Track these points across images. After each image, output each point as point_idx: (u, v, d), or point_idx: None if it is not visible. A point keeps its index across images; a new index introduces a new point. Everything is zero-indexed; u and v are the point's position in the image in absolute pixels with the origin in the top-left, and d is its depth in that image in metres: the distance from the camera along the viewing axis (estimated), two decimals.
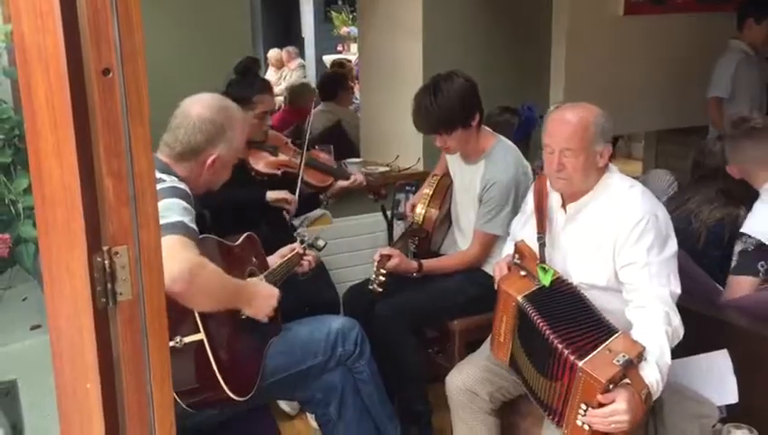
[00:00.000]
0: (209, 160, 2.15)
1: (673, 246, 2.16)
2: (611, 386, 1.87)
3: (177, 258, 1.76)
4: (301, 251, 2.55)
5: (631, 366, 1.88)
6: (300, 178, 3.03)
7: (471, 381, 2.37)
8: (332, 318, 2.51)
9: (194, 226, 1.91)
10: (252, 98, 2.92)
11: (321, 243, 2.73)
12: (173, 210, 1.87)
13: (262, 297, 2.13)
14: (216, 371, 1.89)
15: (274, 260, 2.47)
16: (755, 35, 4.38)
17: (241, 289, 2.07)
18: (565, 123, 2.20)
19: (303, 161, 3.07)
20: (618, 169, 2.32)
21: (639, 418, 1.87)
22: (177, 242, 1.80)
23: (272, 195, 2.93)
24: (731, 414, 2.36)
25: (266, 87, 3.09)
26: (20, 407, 1.68)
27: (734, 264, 2.58)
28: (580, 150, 2.16)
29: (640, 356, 1.92)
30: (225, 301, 1.98)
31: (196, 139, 2.13)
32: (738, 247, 2.58)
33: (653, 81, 4.60)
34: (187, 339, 1.86)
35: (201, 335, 1.88)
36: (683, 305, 2.23)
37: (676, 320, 2.06)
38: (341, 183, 3.25)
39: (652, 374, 1.91)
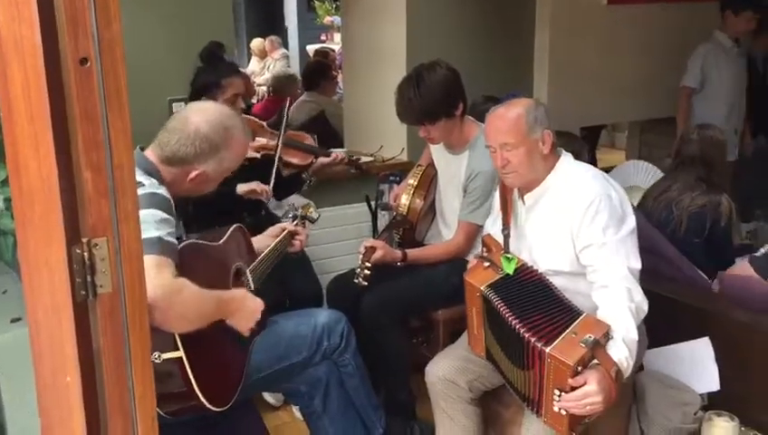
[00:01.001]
0: (193, 174, 2.06)
1: (630, 223, 2.18)
2: (580, 368, 1.89)
3: (151, 285, 1.72)
4: (291, 229, 2.52)
5: (598, 346, 1.90)
6: (277, 159, 2.99)
7: (450, 371, 2.38)
8: (318, 312, 2.48)
9: (171, 239, 1.83)
10: (221, 81, 2.89)
11: (314, 214, 2.68)
12: (148, 223, 1.78)
13: (244, 310, 2.06)
14: (196, 386, 1.84)
15: (264, 242, 2.42)
16: (735, 27, 4.40)
17: (221, 304, 1.98)
18: (499, 120, 2.26)
19: (282, 142, 3.04)
20: (572, 157, 2.34)
21: (613, 397, 1.88)
22: (152, 264, 1.72)
23: (242, 188, 2.87)
24: (712, 402, 2.38)
25: (233, 70, 3.06)
26: (0, 400, 1.66)
27: (758, 254, 2.55)
28: (519, 142, 2.21)
29: (606, 335, 1.94)
30: (204, 320, 1.89)
31: (186, 150, 2.03)
32: None
33: (637, 70, 4.61)
34: (166, 356, 1.80)
35: (180, 353, 1.82)
36: (667, 295, 2.24)
37: (638, 295, 2.08)
38: (323, 160, 3.24)
39: (620, 352, 1.93)
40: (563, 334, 1.95)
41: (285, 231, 2.49)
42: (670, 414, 2.31)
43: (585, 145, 3.47)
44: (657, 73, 4.64)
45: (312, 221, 2.67)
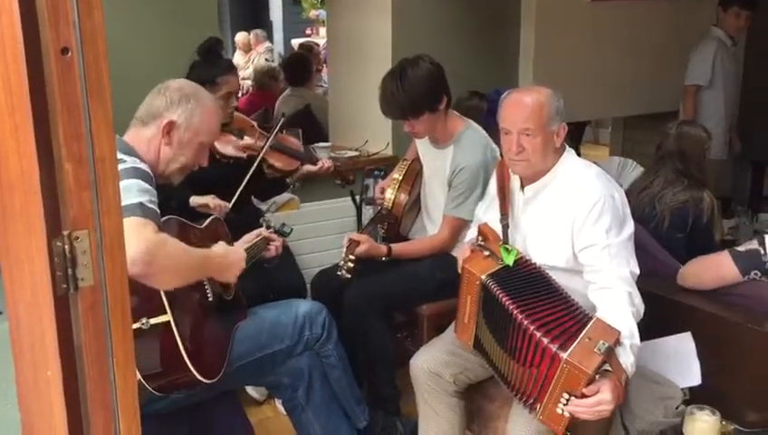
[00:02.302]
0: (163, 123, 2.07)
1: (630, 226, 2.19)
2: (597, 376, 1.88)
3: (133, 240, 1.70)
4: (266, 235, 2.53)
5: (611, 353, 1.90)
6: (256, 163, 2.96)
7: (435, 364, 2.38)
8: (299, 302, 2.49)
9: (153, 206, 1.86)
10: (216, 79, 2.87)
11: (287, 229, 2.70)
12: (130, 191, 1.82)
13: (230, 264, 2.13)
14: (183, 352, 1.88)
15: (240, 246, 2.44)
16: (735, 25, 4.40)
17: (206, 260, 2.04)
18: (521, 105, 2.23)
19: (268, 145, 3.01)
20: (575, 152, 2.35)
21: (620, 402, 1.90)
22: (133, 223, 1.75)
23: (195, 200, 2.78)
24: (694, 396, 2.40)
25: (230, 68, 3.04)
26: None
27: (741, 249, 2.48)
28: (538, 130, 2.19)
29: (617, 342, 1.94)
30: (191, 275, 1.95)
31: (157, 103, 2.10)
32: (756, 241, 2.48)
33: (621, 67, 4.63)
34: (153, 320, 1.85)
35: (168, 317, 1.86)
36: (649, 290, 2.25)
37: (638, 299, 2.10)
38: (308, 167, 3.21)
39: (628, 359, 1.94)
40: (578, 339, 1.92)
41: (261, 236, 2.50)
42: (652, 408, 2.32)
43: (572, 142, 3.49)
44: (642, 70, 4.66)
45: (285, 235, 2.68)
